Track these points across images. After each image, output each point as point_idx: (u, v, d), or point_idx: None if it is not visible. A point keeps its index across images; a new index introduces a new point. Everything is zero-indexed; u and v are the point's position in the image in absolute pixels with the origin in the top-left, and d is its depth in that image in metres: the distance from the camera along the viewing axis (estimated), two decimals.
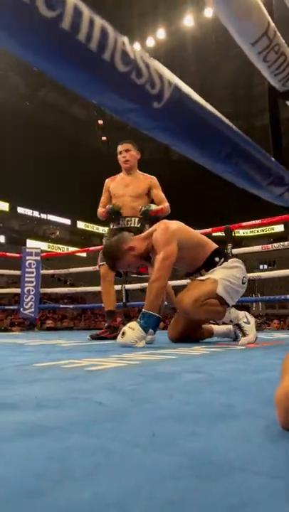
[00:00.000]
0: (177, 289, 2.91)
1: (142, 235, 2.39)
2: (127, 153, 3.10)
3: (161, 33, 21.15)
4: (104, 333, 2.91)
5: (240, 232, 25.28)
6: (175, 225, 2.29)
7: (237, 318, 2.25)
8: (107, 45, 0.45)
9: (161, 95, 0.54)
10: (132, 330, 2.05)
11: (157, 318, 2.17)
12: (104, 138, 27.54)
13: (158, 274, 2.13)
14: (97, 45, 0.44)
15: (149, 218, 2.97)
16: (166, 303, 2.74)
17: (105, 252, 2.46)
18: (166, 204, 3.05)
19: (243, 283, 2.28)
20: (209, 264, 2.30)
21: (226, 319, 2.24)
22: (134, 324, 2.08)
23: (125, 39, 0.48)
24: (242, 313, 2.27)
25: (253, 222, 4.44)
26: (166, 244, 2.17)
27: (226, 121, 0.72)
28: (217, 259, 2.30)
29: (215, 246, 2.36)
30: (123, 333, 2.06)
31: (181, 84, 0.58)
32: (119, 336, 2.08)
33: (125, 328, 2.08)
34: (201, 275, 2.30)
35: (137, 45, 19.71)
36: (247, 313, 2.32)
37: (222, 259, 2.31)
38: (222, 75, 25.57)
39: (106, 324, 3.01)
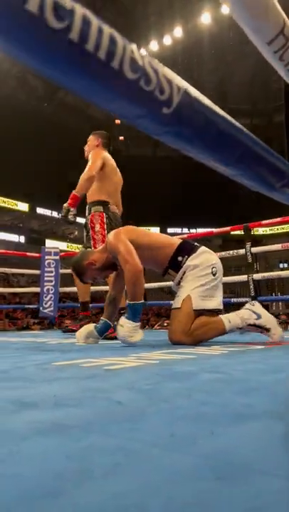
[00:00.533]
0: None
1: (103, 246, 2.47)
2: (86, 146, 3.51)
3: (178, 31, 21.05)
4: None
5: (260, 231, 25.00)
6: (123, 230, 2.37)
7: (244, 321, 2.15)
8: (115, 53, 0.45)
9: (170, 101, 0.54)
10: (121, 327, 2.11)
11: (139, 304, 2.19)
12: (121, 137, 27.63)
13: (126, 265, 2.18)
14: (106, 53, 0.44)
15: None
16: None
17: (72, 269, 2.57)
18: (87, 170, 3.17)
19: (214, 274, 2.24)
20: (174, 265, 2.32)
21: (232, 327, 2.16)
22: (122, 321, 2.14)
23: (134, 46, 0.48)
24: (245, 313, 2.17)
25: (273, 220, 4.38)
26: (118, 242, 2.24)
27: (237, 124, 0.71)
28: (180, 258, 2.30)
29: (175, 244, 2.35)
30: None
31: (190, 90, 0.58)
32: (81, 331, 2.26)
33: (117, 327, 2.14)
34: (170, 275, 2.34)
35: (153, 44, 19.67)
36: (249, 307, 2.21)
37: (185, 257, 2.29)
38: (239, 72, 25.34)
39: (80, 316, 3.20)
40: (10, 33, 0.38)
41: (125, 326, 2.11)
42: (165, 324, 6.63)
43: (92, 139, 3.50)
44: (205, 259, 2.29)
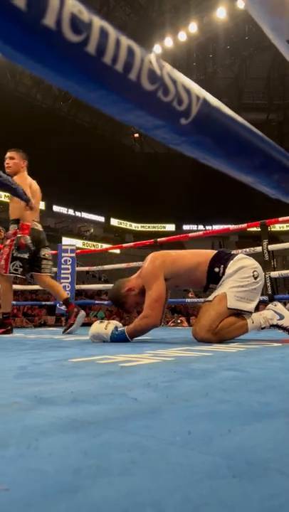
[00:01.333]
0: None
1: (136, 274, 2.44)
2: (10, 160, 3.45)
3: (193, 27, 20.87)
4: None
5: (277, 227, 24.70)
6: (160, 258, 2.29)
7: (267, 321, 2.16)
8: (133, 65, 0.45)
9: (188, 111, 0.53)
10: (104, 329, 2.15)
11: (127, 340, 2.17)
12: (136, 135, 27.63)
13: (149, 312, 2.16)
14: (123, 65, 0.44)
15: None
16: None
17: (113, 302, 2.55)
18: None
19: (255, 278, 2.18)
20: (213, 278, 2.25)
21: (254, 329, 2.17)
22: (110, 329, 2.15)
23: (152, 56, 0.48)
24: (268, 313, 2.17)
25: None
26: (153, 280, 2.21)
27: (258, 131, 0.70)
28: (217, 269, 2.24)
29: (210, 257, 2.29)
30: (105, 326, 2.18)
31: (209, 98, 0.57)
32: (93, 326, 2.23)
33: (106, 325, 2.18)
34: (212, 288, 2.27)
35: (168, 41, 19.50)
36: (272, 307, 2.19)
37: (222, 266, 2.23)
38: (255, 67, 25.04)
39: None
40: (27, 49, 0.38)
41: (108, 330, 2.15)
42: (179, 321, 6.61)
43: (18, 158, 3.49)
44: (245, 263, 2.23)
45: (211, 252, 2.35)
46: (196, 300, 4.93)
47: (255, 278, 2.19)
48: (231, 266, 2.22)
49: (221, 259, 2.27)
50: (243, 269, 2.20)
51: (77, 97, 0.45)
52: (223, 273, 2.22)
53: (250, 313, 2.19)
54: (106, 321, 2.24)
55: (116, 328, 2.19)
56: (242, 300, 2.14)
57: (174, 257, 2.32)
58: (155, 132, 0.54)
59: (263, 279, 2.28)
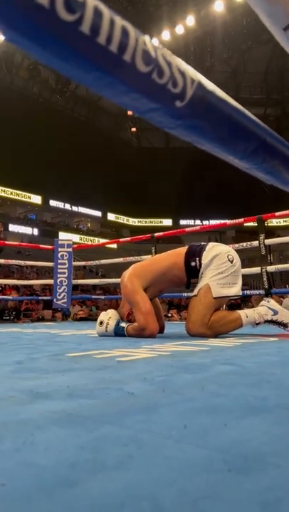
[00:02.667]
0: None
1: (122, 302, 2.47)
2: None
3: (190, 20, 20.73)
4: None
5: (274, 222, 24.73)
6: (132, 272, 2.31)
7: (261, 317, 2.18)
8: (127, 45, 0.44)
9: (183, 94, 0.53)
10: (107, 324, 2.22)
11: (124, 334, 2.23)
12: (133, 129, 27.51)
13: (146, 326, 2.14)
14: (118, 46, 0.43)
15: None
16: None
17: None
18: None
19: (231, 261, 2.22)
20: (192, 273, 2.28)
21: (249, 323, 2.19)
22: (112, 325, 2.22)
23: (147, 38, 0.47)
24: (262, 309, 2.19)
25: (287, 211, 4.32)
26: (134, 296, 2.21)
27: (252, 117, 0.69)
28: (193, 263, 2.27)
29: (183, 253, 2.31)
30: (101, 323, 2.23)
31: (204, 82, 0.57)
32: (97, 325, 2.25)
33: (107, 321, 2.23)
34: (194, 283, 2.30)
35: (165, 34, 19.33)
36: (265, 303, 2.21)
37: (197, 259, 2.26)
38: (253, 61, 24.94)
39: None
40: (21, 27, 0.37)
41: (109, 326, 2.22)
42: (169, 315, 6.63)
43: None
44: (218, 250, 2.28)
45: (183, 249, 2.37)
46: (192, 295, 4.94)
47: (231, 261, 2.23)
48: (205, 256, 2.26)
49: (195, 253, 2.30)
50: (217, 256, 2.24)
51: (73, 79, 0.44)
52: (200, 265, 2.25)
53: (239, 296, 2.25)
54: (105, 320, 2.25)
55: (118, 322, 2.23)
56: (225, 286, 2.19)
57: (144, 266, 2.37)
58: (150, 115, 0.53)
59: (240, 260, 2.31)
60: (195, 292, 2.23)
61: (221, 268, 2.20)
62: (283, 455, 0.40)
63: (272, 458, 0.39)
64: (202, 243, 2.39)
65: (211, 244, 2.37)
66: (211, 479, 0.35)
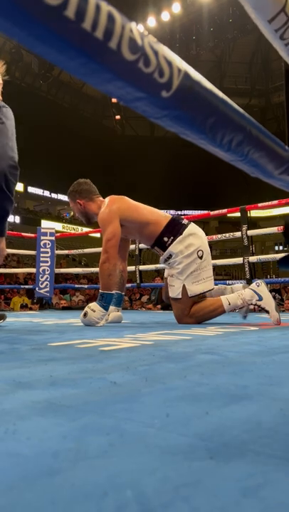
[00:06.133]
0: None
1: (98, 202, 2.54)
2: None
3: (176, 7, 20.48)
4: None
5: (256, 213, 24.95)
6: (117, 203, 2.39)
7: (245, 302, 2.24)
8: (113, 32, 0.43)
9: (170, 84, 0.52)
10: (92, 311, 2.20)
11: (112, 295, 2.29)
12: (118, 116, 27.22)
13: (105, 255, 2.27)
14: (104, 33, 0.42)
15: None
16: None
17: (72, 186, 2.67)
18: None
19: (200, 257, 2.33)
20: (160, 243, 2.39)
21: (232, 308, 2.29)
22: (94, 305, 2.23)
23: (133, 25, 0.46)
24: (248, 293, 2.24)
25: (270, 203, 4.36)
26: (107, 223, 2.31)
27: (239, 108, 0.69)
28: (166, 238, 2.37)
29: (163, 223, 2.39)
30: (85, 314, 2.21)
31: (191, 72, 0.56)
32: (81, 316, 2.23)
33: (87, 309, 2.23)
34: (158, 251, 2.43)
35: (151, 20, 19.02)
36: (254, 287, 2.26)
37: (171, 238, 2.35)
38: (239, 51, 24.86)
39: None
40: (3, 10, 0.36)
41: (97, 312, 2.20)
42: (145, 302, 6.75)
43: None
44: (189, 244, 2.34)
45: (164, 218, 2.43)
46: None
47: (201, 257, 2.34)
48: (177, 243, 2.34)
49: (173, 230, 2.38)
50: (186, 250, 2.32)
51: (57, 65, 0.43)
52: (170, 244, 2.35)
53: (210, 290, 2.38)
54: (87, 308, 2.26)
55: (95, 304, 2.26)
56: (200, 282, 2.31)
57: (130, 206, 2.44)
58: (136, 104, 0.53)
59: (209, 252, 2.42)
60: (178, 296, 2.33)
61: (192, 266, 2.31)
62: (263, 442, 0.41)
63: (253, 445, 0.40)
64: (184, 222, 2.43)
65: (191, 227, 2.41)
66: (193, 466, 0.35)
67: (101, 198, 2.57)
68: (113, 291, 2.31)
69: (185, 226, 2.40)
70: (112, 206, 2.36)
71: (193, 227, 2.42)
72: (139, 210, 2.44)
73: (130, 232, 2.47)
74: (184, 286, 2.31)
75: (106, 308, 2.23)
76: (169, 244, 2.35)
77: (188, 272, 2.31)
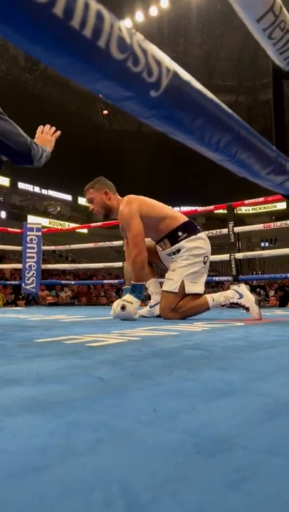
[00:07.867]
0: None
1: (118, 199, 2.62)
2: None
3: (164, 2, 20.38)
4: None
5: (243, 210, 25.13)
6: (136, 202, 2.49)
7: (227, 299, 2.37)
8: (102, 31, 0.43)
9: (158, 83, 0.52)
10: (130, 304, 2.28)
11: (143, 285, 2.42)
12: (105, 111, 27.04)
13: (136, 249, 2.36)
14: (92, 31, 0.42)
15: None
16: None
17: (98, 178, 2.73)
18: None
19: (204, 263, 2.46)
20: (173, 237, 2.48)
21: (215, 306, 2.40)
22: (129, 297, 2.31)
23: (122, 24, 0.46)
24: (230, 293, 2.38)
25: (256, 200, 4.40)
26: (130, 220, 2.42)
27: (227, 109, 0.70)
28: (180, 233, 2.48)
29: (184, 220, 2.52)
30: (123, 307, 2.27)
31: (180, 72, 0.56)
32: (119, 310, 2.28)
33: (124, 303, 2.28)
34: (165, 244, 2.52)
35: (139, 15, 18.89)
36: (235, 288, 2.39)
37: (185, 235, 2.46)
38: (227, 47, 24.85)
39: None
40: None
41: (134, 303, 2.30)
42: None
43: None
44: (200, 246, 2.46)
45: (183, 217, 2.57)
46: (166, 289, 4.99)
47: (205, 263, 2.47)
48: (191, 240, 2.46)
49: (188, 229, 2.51)
50: (196, 250, 2.44)
51: (44, 63, 0.43)
52: (183, 239, 2.46)
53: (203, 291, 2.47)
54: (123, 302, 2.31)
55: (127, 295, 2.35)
56: (197, 284, 2.41)
57: (149, 204, 2.55)
58: (124, 104, 0.52)
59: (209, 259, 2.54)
60: (175, 290, 2.39)
61: (195, 267, 2.42)
62: (249, 437, 0.42)
63: (239, 440, 0.41)
64: (198, 227, 2.57)
65: (202, 234, 2.55)
66: (180, 462, 0.35)
67: (119, 197, 2.66)
68: (144, 282, 2.42)
69: (199, 231, 2.55)
70: (132, 204, 2.47)
71: (204, 235, 2.57)
72: (157, 208, 2.57)
73: (145, 228, 2.52)
74: (182, 281, 2.38)
75: (139, 299, 2.34)
76: (182, 239, 2.46)
77: (190, 271, 2.40)
